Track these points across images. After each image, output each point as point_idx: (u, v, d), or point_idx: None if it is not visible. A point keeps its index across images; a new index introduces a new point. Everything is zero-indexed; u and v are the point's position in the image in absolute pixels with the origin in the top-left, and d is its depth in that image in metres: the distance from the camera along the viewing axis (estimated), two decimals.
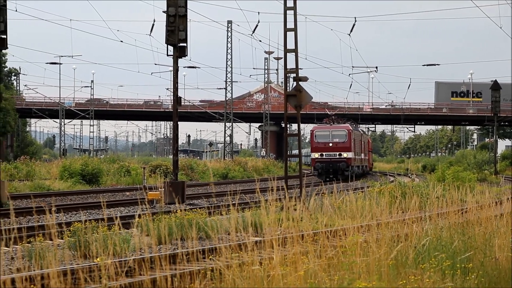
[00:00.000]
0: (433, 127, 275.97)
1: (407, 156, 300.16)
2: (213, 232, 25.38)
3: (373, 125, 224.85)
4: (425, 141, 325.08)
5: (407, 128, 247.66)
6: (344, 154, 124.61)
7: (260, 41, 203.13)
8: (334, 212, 24.26)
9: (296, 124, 62.49)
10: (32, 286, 10.32)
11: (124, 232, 27.15)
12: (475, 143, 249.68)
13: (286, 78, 63.05)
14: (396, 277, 16.48)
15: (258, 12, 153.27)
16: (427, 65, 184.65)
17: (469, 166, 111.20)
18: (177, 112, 63.09)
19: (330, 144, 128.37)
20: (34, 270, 12.59)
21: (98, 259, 13.92)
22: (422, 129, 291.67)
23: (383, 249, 17.68)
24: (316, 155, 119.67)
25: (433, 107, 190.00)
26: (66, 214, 42.20)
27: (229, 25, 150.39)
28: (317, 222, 21.14)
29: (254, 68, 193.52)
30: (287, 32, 57.56)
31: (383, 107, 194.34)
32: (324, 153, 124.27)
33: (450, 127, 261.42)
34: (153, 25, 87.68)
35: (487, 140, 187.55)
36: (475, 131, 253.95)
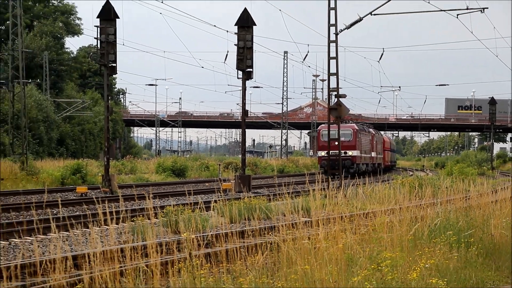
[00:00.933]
0: (443, 133, 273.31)
1: (423, 155, 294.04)
2: (272, 214, 25.46)
3: (397, 132, 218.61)
4: (437, 144, 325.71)
5: (423, 134, 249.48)
6: (349, 152, 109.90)
7: (309, 66, 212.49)
8: (366, 199, 24.34)
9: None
10: (135, 254, 10.34)
11: (204, 214, 27.27)
12: (476, 145, 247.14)
13: (329, 95, 64.41)
14: (414, 249, 16.51)
15: (308, 44, 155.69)
16: (439, 85, 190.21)
17: (471, 164, 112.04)
18: (244, 122, 64.07)
19: (336, 143, 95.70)
20: (136, 242, 12.61)
21: (184, 234, 13.93)
22: (435, 135, 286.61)
23: (404, 227, 17.77)
24: (322, 153, 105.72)
25: (443, 117, 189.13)
26: (160, 200, 42.31)
27: (285, 54, 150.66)
28: (353, 206, 21.12)
29: (304, 88, 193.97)
30: (330, 60, 57.66)
31: (405, 117, 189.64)
32: (330, 152, 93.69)
33: (456, 133, 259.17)
34: (226, 55, 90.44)
35: (485, 143, 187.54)
36: (476, 136, 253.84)
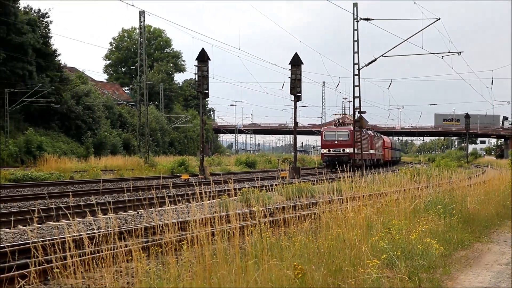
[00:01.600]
0: (433, 138, 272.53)
1: (419, 153, 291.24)
2: (315, 193, 25.38)
3: (401, 137, 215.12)
4: (429, 145, 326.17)
5: (419, 138, 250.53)
6: (347, 150, 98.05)
7: (340, 92, 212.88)
8: (380, 183, 24.24)
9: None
10: (221, 221, 10.33)
11: (268, 193, 27.28)
12: (456, 146, 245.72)
13: (354, 112, 64.01)
14: (414, 218, 16.43)
15: (339, 77, 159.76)
16: (430, 104, 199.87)
17: (453, 159, 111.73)
18: (296, 130, 67.03)
19: (336, 142, 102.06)
20: (222, 213, 12.61)
21: (255, 207, 13.96)
22: (427, 139, 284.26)
23: (406, 203, 17.71)
24: (324, 150, 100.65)
25: (433, 127, 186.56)
26: (238, 184, 42.26)
27: (324, 84, 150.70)
28: (371, 188, 21.01)
29: (336, 106, 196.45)
30: (355, 87, 58.15)
31: (406, 127, 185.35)
32: (331, 149, 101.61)
33: (442, 138, 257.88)
34: (283, 84, 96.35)
35: (462, 145, 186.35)
36: (456, 140, 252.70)
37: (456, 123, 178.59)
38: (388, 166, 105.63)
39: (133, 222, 20.79)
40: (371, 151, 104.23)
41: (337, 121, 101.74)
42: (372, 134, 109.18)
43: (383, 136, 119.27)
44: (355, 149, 78.45)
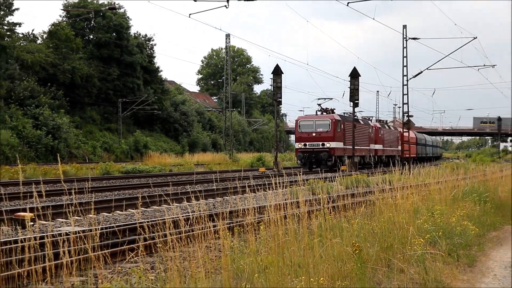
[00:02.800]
0: (470, 137, 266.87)
1: (458, 150, 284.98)
2: (370, 184, 25.22)
3: (443, 137, 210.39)
4: (467, 143, 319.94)
5: (459, 138, 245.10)
6: (327, 144, 67.01)
7: (391, 99, 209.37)
8: (424, 175, 23.96)
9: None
10: (292, 206, 10.30)
11: (331, 184, 27.11)
12: (489, 144, 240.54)
13: (403, 116, 62.81)
14: (453, 204, 16.20)
15: (391, 87, 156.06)
16: (468, 109, 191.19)
17: (486, 155, 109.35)
18: (354, 132, 62.38)
19: (314, 134, 69.76)
20: (293, 200, 12.56)
21: (319, 195, 13.89)
22: (465, 138, 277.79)
23: (447, 192, 17.57)
24: (299, 145, 68.52)
25: (471, 128, 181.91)
26: (305, 175, 42.18)
27: (377, 92, 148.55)
28: (417, 180, 20.77)
29: (388, 111, 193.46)
30: (404, 95, 57.42)
31: (447, 128, 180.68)
32: (307, 143, 69.85)
33: (478, 137, 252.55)
34: (344, 93, 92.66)
35: (495, 142, 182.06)
36: (490, 139, 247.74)
37: (491, 125, 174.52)
38: (412, 163, 70.61)
39: (220, 207, 20.85)
40: (375, 146, 73.52)
41: (320, 108, 65.60)
42: (379, 126, 78.80)
43: (399, 128, 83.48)
44: (344, 143, 56.79)
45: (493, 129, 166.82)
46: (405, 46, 57.44)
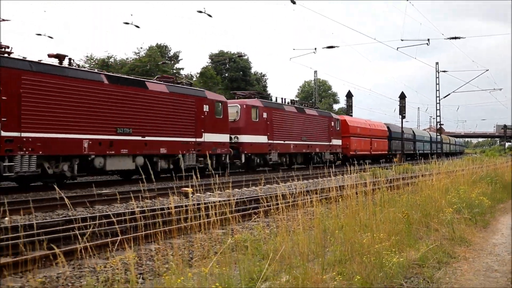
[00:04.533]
0: (484, 139, 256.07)
1: (476, 148, 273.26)
2: (414, 171, 24.75)
3: (464, 138, 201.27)
4: (482, 143, 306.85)
5: (476, 139, 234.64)
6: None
7: (427, 113, 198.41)
8: (452, 165, 23.45)
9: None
10: (361, 186, 10.32)
11: (387, 171, 26.69)
12: (497, 143, 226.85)
13: (436, 124, 61.18)
14: (473, 185, 15.84)
15: (427, 105, 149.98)
16: (483, 119, 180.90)
17: (496, 151, 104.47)
18: (403, 137, 60.09)
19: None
20: (361, 181, 12.49)
21: (380, 178, 13.82)
22: (481, 139, 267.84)
23: (469, 176, 17.23)
24: None
25: (483, 132, 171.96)
26: (370, 165, 41.41)
27: (418, 108, 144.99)
28: (447, 168, 20.36)
29: (426, 121, 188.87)
30: (437, 110, 55.83)
31: (468, 132, 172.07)
32: None
33: (489, 138, 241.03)
34: (395, 109, 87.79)
35: (502, 142, 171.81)
36: (498, 139, 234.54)
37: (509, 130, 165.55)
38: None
39: (312, 186, 20.80)
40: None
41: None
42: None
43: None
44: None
45: (501, 133, 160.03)
46: (437, 76, 58.42)
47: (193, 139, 23.42)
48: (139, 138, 20.64)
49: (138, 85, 21.31)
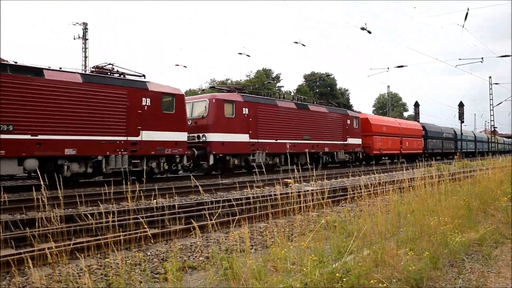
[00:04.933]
0: None
1: None
2: (472, 166, 23.19)
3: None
4: None
5: None
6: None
7: (483, 118, 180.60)
8: (505, 160, 21.71)
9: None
10: (428, 178, 9.84)
11: (449, 166, 24.95)
12: None
13: (491, 127, 57.21)
14: (503, 183, 14.66)
15: (483, 111, 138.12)
16: None
17: None
18: (462, 138, 56.53)
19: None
20: (427, 174, 11.81)
21: (443, 172, 13.10)
22: None
23: (499, 174, 15.88)
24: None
25: None
26: (436, 161, 39.22)
27: (475, 114, 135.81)
28: (500, 163, 18.92)
29: (481, 125, 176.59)
30: (491, 116, 52.24)
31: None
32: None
33: None
34: (455, 115, 76.69)
35: None
36: None
37: None
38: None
39: (388, 179, 20.01)
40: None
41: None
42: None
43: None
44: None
45: None
46: (490, 88, 54.92)
47: (124, 138, 15.79)
48: (28, 137, 13.47)
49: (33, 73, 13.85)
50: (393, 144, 35.55)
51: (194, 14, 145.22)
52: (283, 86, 70.12)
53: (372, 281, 4.48)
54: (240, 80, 63.64)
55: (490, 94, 55.37)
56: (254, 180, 16.11)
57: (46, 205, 5.53)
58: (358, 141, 30.77)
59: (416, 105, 53.63)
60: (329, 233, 6.93)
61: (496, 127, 64.42)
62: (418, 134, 41.52)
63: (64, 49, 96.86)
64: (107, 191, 8.98)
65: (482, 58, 28.36)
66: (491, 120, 57.91)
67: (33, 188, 6.99)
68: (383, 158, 36.32)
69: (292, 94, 65.78)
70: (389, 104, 77.29)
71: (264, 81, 58.12)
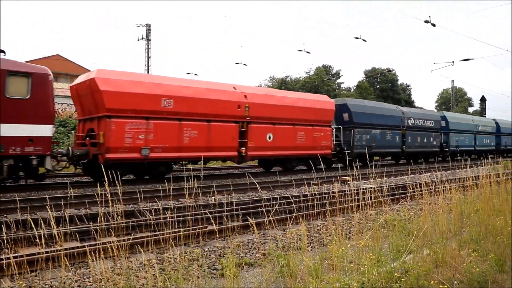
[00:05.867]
0: None
1: None
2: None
3: None
4: None
5: None
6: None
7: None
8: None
9: None
10: (493, 177, 9.36)
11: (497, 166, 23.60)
12: None
13: None
14: None
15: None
16: None
17: None
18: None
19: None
20: (492, 172, 11.18)
21: (509, 169, 12.43)
22: None
23: None
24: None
25: None
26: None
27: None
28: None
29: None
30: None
31: None
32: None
33: None
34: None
35: None
36: None
37: None
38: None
39: (450, 176, 19.18)
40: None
41: None
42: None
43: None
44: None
45: None
46: None
47: None
48: None
49: None
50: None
51: (253, 13, 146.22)
52: (343, 83, 69.31)
53: (432, 282, 4.34)
54: (300, 77, 63.51)
55: None
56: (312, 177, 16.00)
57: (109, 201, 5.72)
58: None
59: (483, 99, 51.17)
60: (388, 232, 6.78)
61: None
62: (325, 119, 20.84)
63: (128, 50, 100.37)
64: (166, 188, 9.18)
65: None
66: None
67: (97, 184, 7.25)
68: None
69: (351, 90, 64.94)
70: (453, 99, 74.27)
71: (324, 78, 57.72)
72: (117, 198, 7.68)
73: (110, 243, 5.42)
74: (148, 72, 40.90)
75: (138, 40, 42.77)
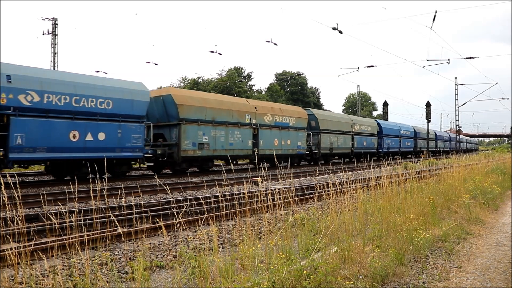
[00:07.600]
0: (494, 138, 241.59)
1: (488, 145, 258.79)
2: (438, 164, 23.78)
3: (479, 138, 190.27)
4: (493, 141, 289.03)
5: (488, 138, 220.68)
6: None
7: (449, 118, 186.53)
8: (468, 159, 22.35)
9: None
10: (394, 177, 9.99)
11: (415, 164, 25.48)
12: (506, 142, 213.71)
13: (455, 126, 58.12)
14: (486, 175, 15.12)
15: (448, 111, 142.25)
16: (494, 123, 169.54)
17: (504, 148, 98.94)
18: (428, 137, 57.46)
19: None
20: (394, 172, 11.99)
21: (410, 170, 13.37)
22: (492, 138, 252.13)
23: (482, 168, 16.38)
24: None
25: (492, 132, 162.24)
26: (403, 159, 39.94)
27: (441, 114, 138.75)
28: (464, 161, 19.47)
29: (447, 125, 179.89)
30: (456, 115, 53.28)
31: (481, 133, 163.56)
32: None
33: (499, 138, 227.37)
34: (422, 115, 79.88)
35: (508, 140, 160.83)
36: (507, 139, 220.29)
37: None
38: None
39: (355, 176, 20.29)
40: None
41: None
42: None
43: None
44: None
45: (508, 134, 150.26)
46: (456, 88, 56.16)
47: None
48: None
49: None
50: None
51: (165, 12, 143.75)
52: (254, 85, 70.20)
53: (339, 278, 4.55)
54: (212, 78, 63.30)
55: (455, 95, 56.82)
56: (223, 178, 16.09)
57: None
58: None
59: (385, 104, 54.41)
60: (297, 231, 7.00)
61: (460, 127, 66.08)
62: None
63: (32, 45, 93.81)
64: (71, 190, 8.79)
65: (448, 59, 29.15)
66: (456, 120, 59.02)
67: None
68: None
69: (263, 93, 65.97)
70: (358, 103, 78.35)
71: (236, 80, 57.97)
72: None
73: (9, 250, 5.05)
74: (54, 69, 38.59)
75: (43, 34, 40.17)
